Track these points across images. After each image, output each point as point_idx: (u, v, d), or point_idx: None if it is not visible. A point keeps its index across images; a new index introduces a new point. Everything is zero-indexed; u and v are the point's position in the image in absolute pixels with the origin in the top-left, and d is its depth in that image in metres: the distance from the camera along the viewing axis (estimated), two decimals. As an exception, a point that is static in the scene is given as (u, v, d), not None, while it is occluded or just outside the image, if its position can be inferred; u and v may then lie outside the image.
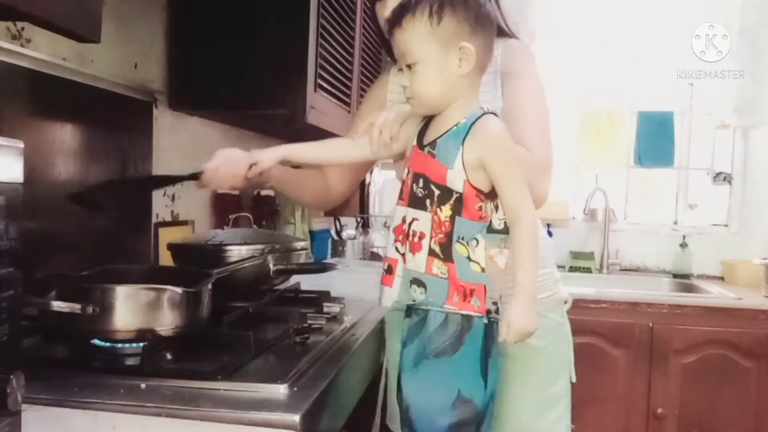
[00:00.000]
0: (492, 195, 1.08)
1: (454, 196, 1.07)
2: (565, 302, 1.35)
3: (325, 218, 2.88)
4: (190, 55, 1.73)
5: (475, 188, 1.07)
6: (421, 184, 1.09)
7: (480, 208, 1.07)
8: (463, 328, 1.08)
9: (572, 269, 2.84)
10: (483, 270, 1.07)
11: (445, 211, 1.07)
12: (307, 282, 1.76)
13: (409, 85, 1.08)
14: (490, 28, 1.09)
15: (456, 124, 1.07)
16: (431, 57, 1.06)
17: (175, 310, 1.03)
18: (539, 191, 1.18)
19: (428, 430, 1.10)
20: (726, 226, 2.87)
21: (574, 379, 1.34)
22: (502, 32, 1.30)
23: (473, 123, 1.07)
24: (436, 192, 1.07)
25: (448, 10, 1.05)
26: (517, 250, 1.07)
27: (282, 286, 1.59)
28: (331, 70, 1.93)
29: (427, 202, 1.08)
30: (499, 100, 1.26)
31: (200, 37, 1.72)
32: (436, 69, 1.06)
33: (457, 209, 1.07)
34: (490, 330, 1.10)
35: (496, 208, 1.09)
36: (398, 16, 1.06)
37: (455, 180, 1.07)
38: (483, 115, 1.08)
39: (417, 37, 1.05)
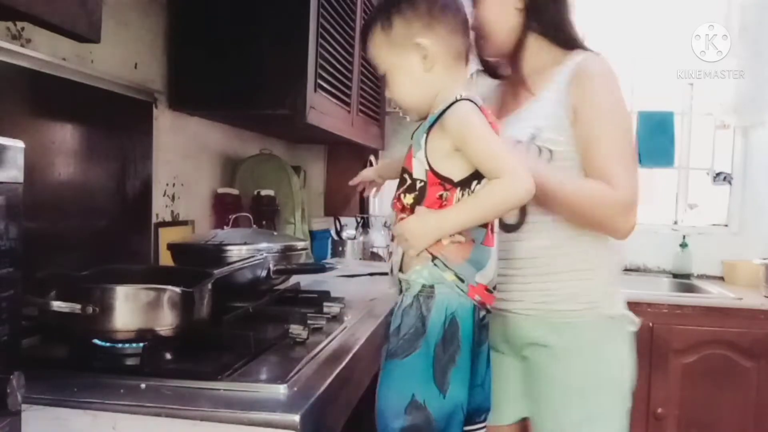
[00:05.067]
0: (463, 183, 1.08)
1: (418, 185, 1.10)
2: (634, 324, 1.29)
3: (325, 218, 2.88)
4: (190, 55, 1.73)
5: (439, 177, 1.08)
6: (404, 176, 1.14)
7: (440, 196, 1.09)
8: (417, 331, 1.08)
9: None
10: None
11: (408, 198, 1.11)
12: (307, 282, 1.76)
13: (388, 95, 1.14)
14: (451, 16, 1.10)
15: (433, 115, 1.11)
16: (394, 63, 1.11)
17: (175, 310, 1.03)
18: (622, 228, 1.21)
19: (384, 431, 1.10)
20: (726, 226, 2.87)
21: (622, 405, 1.28)
22: (573, 43, 1.29)
23: (443, 112, 1.08)
24: (408, 181, 1.11)
25: (395, 14, 1.09)
26: (477, 193, 1.07)
27: (282, 286, 1.59)
28: (331, 70, 1.93)
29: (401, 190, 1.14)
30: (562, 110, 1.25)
31: (200, 37, 1.72)
32: (402, 73, 1.11)
33: (420, 198, 1.11)
34: (451, 338, 1.08)
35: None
36: (362, 35, 1.13)
37: (418, 168, 1.10)
38: (455, 102, 1.09)
39: (378, 48, 1.11)
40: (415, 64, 1.10)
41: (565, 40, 1.30)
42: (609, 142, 1.21)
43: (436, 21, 1.09)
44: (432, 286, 1.10)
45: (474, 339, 1.12)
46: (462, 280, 1.09)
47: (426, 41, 1.08)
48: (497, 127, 1.15)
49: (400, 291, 1.14)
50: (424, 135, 1.10)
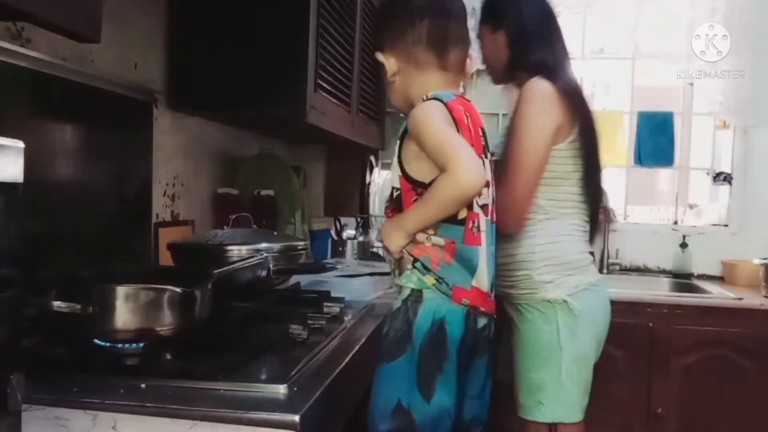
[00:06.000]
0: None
1: (395, 193, 1.15)
2: (564, 301, 1.50)
3: (325, 218, 2.88)
4: (190, 55, 1.73)
5: (411, 181, 1.11)
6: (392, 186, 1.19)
7: (415, 200, 1.11)
8: (404, 336, 1.09)
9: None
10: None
11: (396, 210, 1.16)
12: (307, 282, 1.76)
13: None
14: (411, 31, 1.19)
15: None
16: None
17: (175, 310, 1.03)
18: (506, 227, 1.41)
19: None
20: (726, 226, 2.87)
21: (563, 376, 1.49)
22: (538, 69, 1.52)
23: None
24: (392, 193, 1.18)
25: (373, 27, 1.31)
26: (429, 189, 1.09)
27: (282, 286, 1.59)
28: (331, 70, 1.93)
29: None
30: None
31: (200, 37, 1.72)
32: (385, 77, 1.24)
33: (399, 206, 1.14)
34: (437, 345, 1.09)
35: None
36: None
37: (394, 176, 1.15)
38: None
39: None
40: (386, 72, 1.22)
41: (534, 68, 1.53)
42: (507, 159, 1.48)
43: (397, 36, 1.19)
44: (420, 291, 1.10)
45: (465, 347, 1.11)
46: (447, 284, 1.10)
47: (380, 56, 1.22)
48: (475, 118, 1.19)
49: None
50: (398, 141, 1.14)
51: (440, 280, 1.10)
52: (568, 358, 1.49)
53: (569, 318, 1.49)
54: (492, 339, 1.18)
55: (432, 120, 1.09)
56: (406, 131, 1.13)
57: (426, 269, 1.11)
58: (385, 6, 1.33)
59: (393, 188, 1.16)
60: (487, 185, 1.15)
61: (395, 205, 1.15)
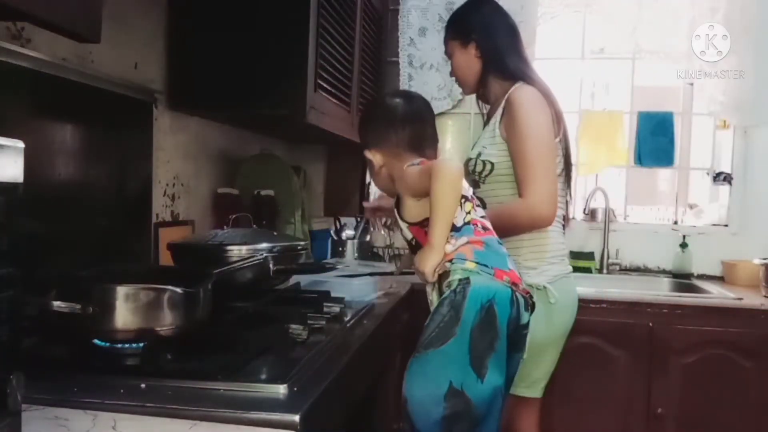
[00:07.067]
0: None
1: (414, 242, 1.30)
2: (544, 288, 1.61)
3: (325, 218, 2.88)
4: (190, 55, 1.73)
5: (418, 224, 1.27)
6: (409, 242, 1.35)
7: (426, 233, 1.25)
8: (452, 319, 1.13)
9: (572, 269, 2.83)
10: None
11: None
12: (307, 282, 1.76)
13: None
14: (394, 137, 1.36)
15: None
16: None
17: (175, 310, 1.03)
18: (543, 220, 1.58)
19: (424, 424, 1.12)
20: (726, 226, 2.87)
21: (529, 355, 1.59)
22: (516, 76, 1.66)
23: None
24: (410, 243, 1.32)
25: (361, 130, 1.44)
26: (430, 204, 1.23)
27: (282, 286, 1.59)
28: (331, 70, 1.93)
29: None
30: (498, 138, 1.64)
31: (200, 37, 1.72)
32: (371, 169, 1.43)
33: (420, 247, 1.27)
34: (489, 323, 1.14)
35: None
36: None
37: (405, 232, 1.32)
38: None
39: None
40: (374, 165, 1.40)
41: (510, 74, 1.67)
42: (526, 157, 1.57)
43: (382, 139, 1.37)
44: (467, 278, 1.15)
45: (509, 331, 1.17)
46: (487, 266, 1.19)
47: (368, 153, 1.40)
48: None
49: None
50: (395, 211, 1.32)
51: (480, 263, 1.19)
52: (536, 340, 1.55)
53: (545, 305, 1.59)
54: (527, 337, 1.27)
55: (412, 171, 1.30)
56: (398, 199, 1.32)
57: (464, 260, 1.20)
58: (370, 112, 1.51)
59: (409, 241, 1.33)
60: (470, 200, 1.30)
61: (417, 248, 1.28)
